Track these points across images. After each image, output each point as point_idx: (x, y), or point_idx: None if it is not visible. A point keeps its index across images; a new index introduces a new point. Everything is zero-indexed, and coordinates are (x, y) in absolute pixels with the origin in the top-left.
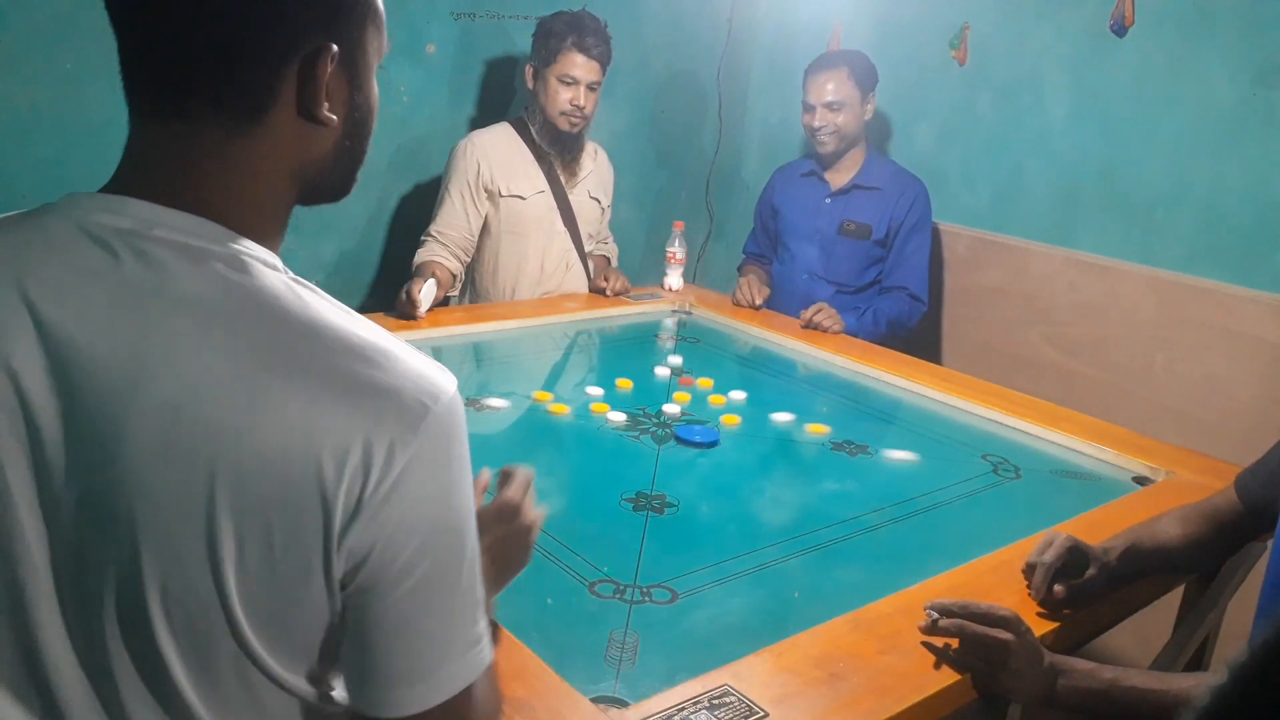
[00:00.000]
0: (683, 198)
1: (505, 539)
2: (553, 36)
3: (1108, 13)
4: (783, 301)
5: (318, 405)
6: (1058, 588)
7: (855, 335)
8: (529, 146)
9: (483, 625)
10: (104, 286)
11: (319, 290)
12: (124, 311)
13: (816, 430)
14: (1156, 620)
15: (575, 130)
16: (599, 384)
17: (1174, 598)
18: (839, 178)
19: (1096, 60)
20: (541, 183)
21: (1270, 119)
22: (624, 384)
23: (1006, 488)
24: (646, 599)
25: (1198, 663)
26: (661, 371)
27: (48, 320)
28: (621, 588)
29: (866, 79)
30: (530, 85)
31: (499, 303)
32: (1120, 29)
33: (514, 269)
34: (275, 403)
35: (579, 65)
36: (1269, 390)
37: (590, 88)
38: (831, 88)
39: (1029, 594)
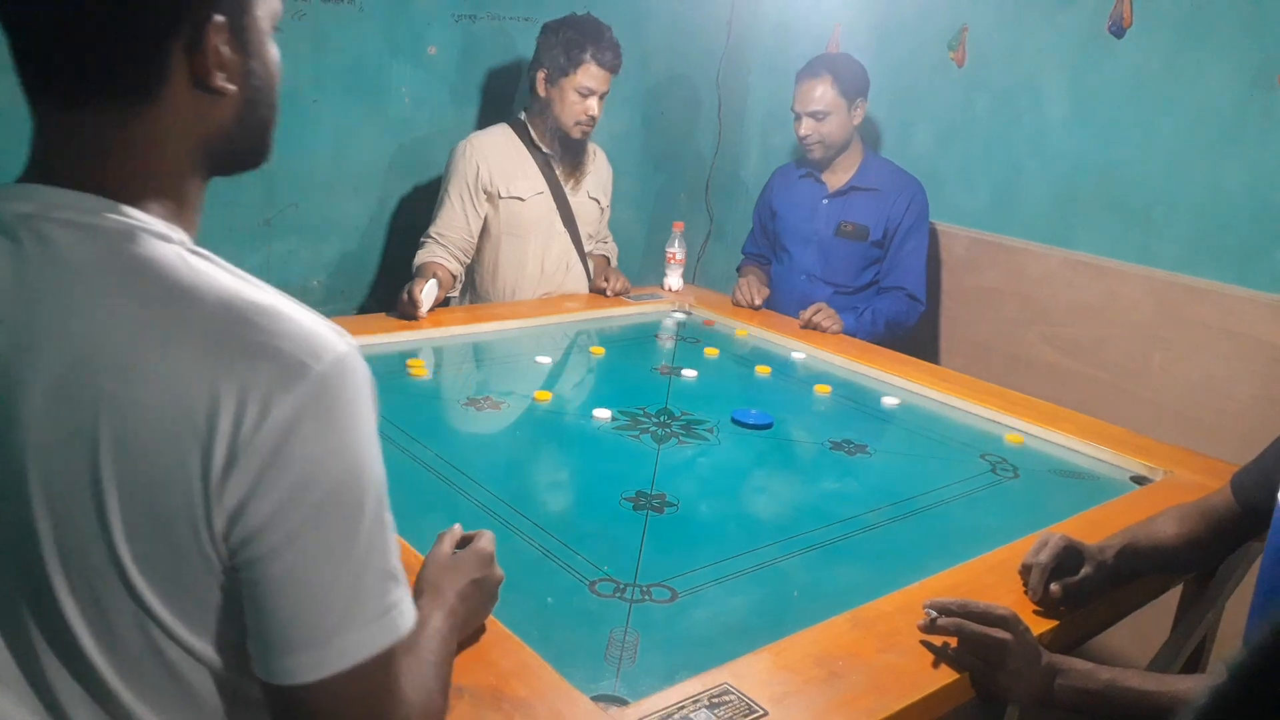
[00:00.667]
0: (682, 198)
1: (482, 584)
2: (572, 47)
3: (1106, 14)
4: (781, 302)
5: (195, 365)
6: (1054, 587)
7: (854, 335)
8: (528, 148)
9: (395, 598)
10: (5, 268)
11: (218, 260)
12: (20, 289)
13: (822, 390)
14: (1155, 620)
15: (586, 138)
16: (599, 384)
17: (1172, 597)
18: (836, 179)
19: (1094, 61)
20: (541, 184)
21: (1269, 119)
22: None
23: (1005, 487)
24: (646, 598)
25: (1196, 662)
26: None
27: None
28: (621, 587)
29: (853, 85)
30: (542, 92)
31: (499, 303)
32: (1118, 30)
33: (514, 270)
34: (153, 364)
35: (596, 78)
36: (1267, 390)
37: (602, 97)
38: (816, 96)
39: (1027, 596)
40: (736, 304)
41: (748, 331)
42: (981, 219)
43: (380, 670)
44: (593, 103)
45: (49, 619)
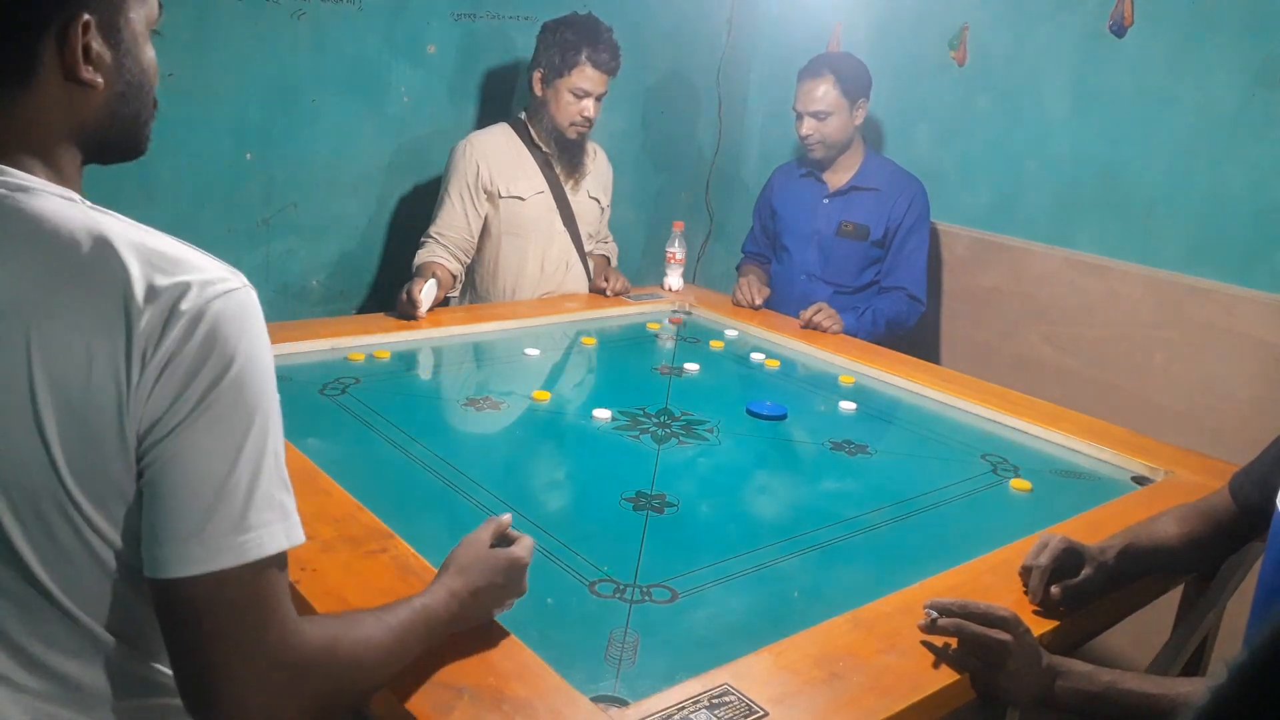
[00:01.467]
0: (682, 198)
1: (501, 590)
2: (568, 48)
3: (1107, 13)
4: (781, 301)
5: (108, 301)
6: (1054, 589)
7: (854, 335)
8: (528, 147)
9: (269, 518)
10: None
11: (120, 216)
12: None
13: (847, 381)
14: (1155, 620)
15: (582, 139)
16: (599, 385)
17: (1173, 598)
18: (837, 178)
19: (1096, 61)
20: (541, 183)
21: (1270, 119)
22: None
23: (1006, 487)
24: (646, 598)
25: (1197, 663)
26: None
27: None
28: (621, 587)
29: (855, 85)
30: (539, 92)
31: (499, 303)
32: (1119, 29)
33: (514, 270)
34: (72, 300)
35: (591, 79)
36: (1269, 390)
37: (598, 98)
38: (818, 95)
39: (1028, 598)
40: (737, 304)
41: (723, 344)
42: (983, 219)
43: (251, 583)
44: (588, 104)
45: None
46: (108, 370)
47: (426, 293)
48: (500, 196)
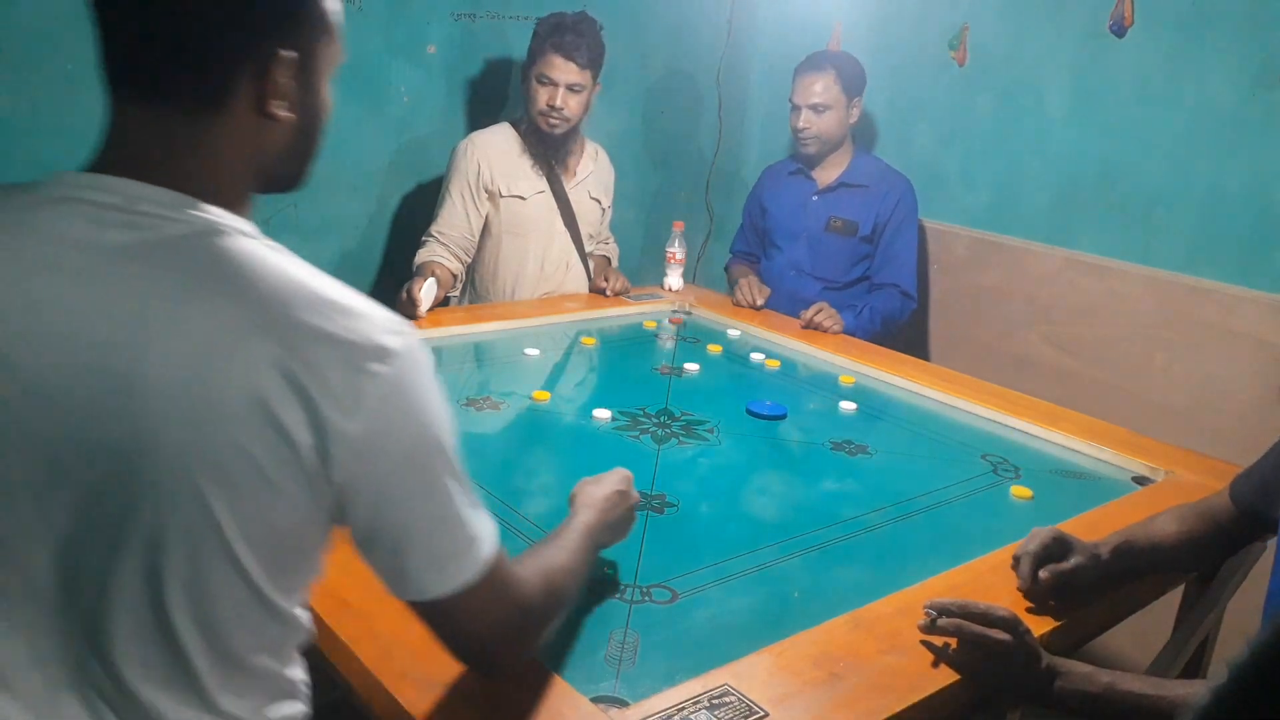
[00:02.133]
0: (682, 198)
1: (625, 496)
2: (536, 37)
3: (1107, 13)
4: (770, 298)
5: (293, 349)
6: (1043, 574)
7: (853, 334)
8: (529, 146)
9: (481, 521)
10: (93, 258)
11: (291, 253)
12: (116, 282)
13: (847, 381)
14: (1156, 621)
15: (556, 131)
16: (598, 385)
17: (1173, 598)
18: (826, 175)
19: (1096, 61)
20: (542, 183)
21: (1270, 119)
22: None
23: (1006, 488)
24: (646, 599)
25: (1197, 663)
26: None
27: (40, 293)
28: (621, 588)
29: (854, 83)
30: (522, 86)
31: (499, 303)
32: (1119, 29)
33: (514, 269)
34: (254, 355)
35: (556, 66)
36: (1268, 390)
37: (571, 89)
38: (818, 89)
39: (1017, 587)
40: (737, 304)
41: (721, 347)
42: (982, 219)
43: (492, 581)
44: (558, 94)
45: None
46: (290, 441)
47: (426, 292)
48: (501, 196)
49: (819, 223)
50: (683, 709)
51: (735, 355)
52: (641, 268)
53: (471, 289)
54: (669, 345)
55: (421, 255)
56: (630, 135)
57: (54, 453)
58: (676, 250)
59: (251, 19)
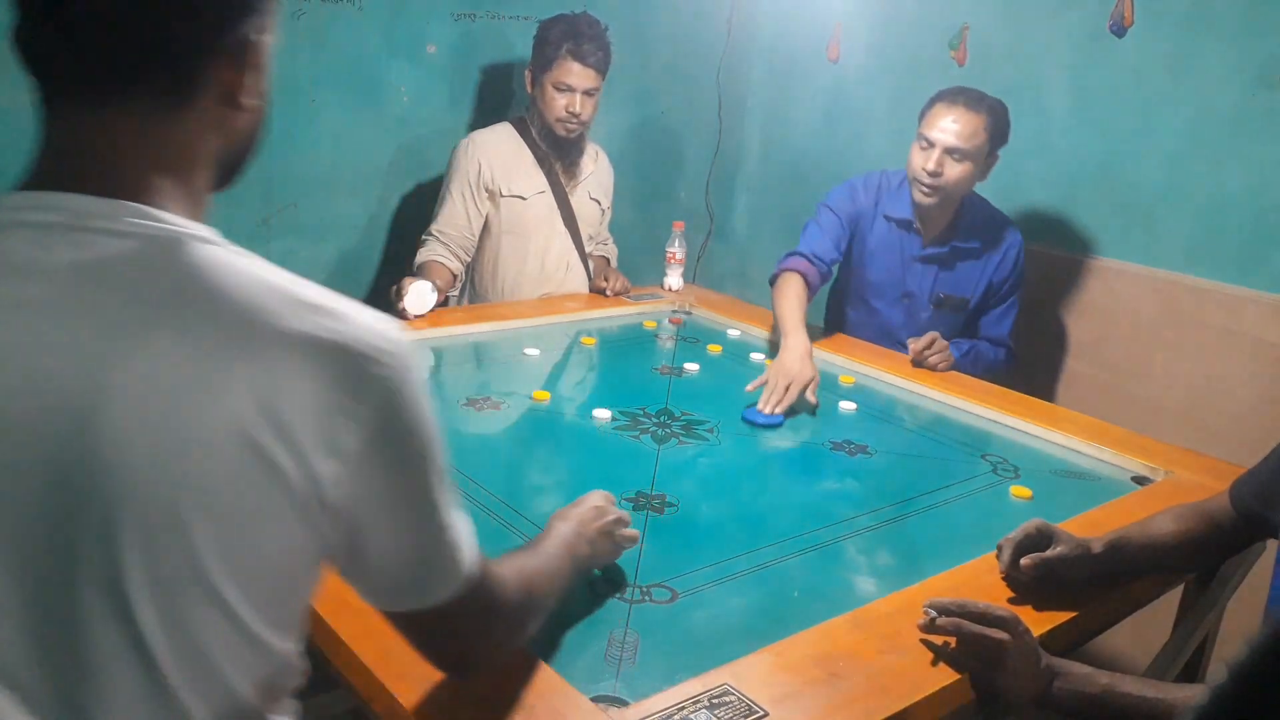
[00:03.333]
0: (683, 198)
1: (602, 511)
2: (550, 43)
3: (1107, 13)
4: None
5: (275, 366)
6: (1024, 561)
7: (956, 369)
8: (530, 147)
9: (461, 531)
10: (43, 286)
11: (254, 255)
12: (70, 312)
13: (847, 381)
14: (1156, 620)
15: (573, 136)
16: (598, 385)
17: (1173, 598)
18: (933, 229)
19: (1096, 61)
20: (542, 183)
21: (1270, 119)
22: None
23: (1006, 488)
24: (646, 599)
25: (1197, 663)
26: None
27: None
28: (621, 588)
29: (1001, 133)
30: (530, 89)
31: (499, 303)
32: (1119, 29)
33: (514, 269)
34: (232, 377)
35: (575, 73)
36: (1269, 390)
37: (587, 94)
38: (966, 132)
39: (1000, 573)
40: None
41: (721, 347)
42: None
43: (475, 589)
44: (576, 100)
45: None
46: (279, 462)
47: (417, 295)
48: (501, 195)
49: (923, 292)
50: (683, 708)
51: (735, 355)
52: (641, 268)
53: (471, 289)
54: (669, 345)
55: (422, 255)
56: (630, 135)
57: (8, 506)
58: (676, 250)
59: (229, 2)
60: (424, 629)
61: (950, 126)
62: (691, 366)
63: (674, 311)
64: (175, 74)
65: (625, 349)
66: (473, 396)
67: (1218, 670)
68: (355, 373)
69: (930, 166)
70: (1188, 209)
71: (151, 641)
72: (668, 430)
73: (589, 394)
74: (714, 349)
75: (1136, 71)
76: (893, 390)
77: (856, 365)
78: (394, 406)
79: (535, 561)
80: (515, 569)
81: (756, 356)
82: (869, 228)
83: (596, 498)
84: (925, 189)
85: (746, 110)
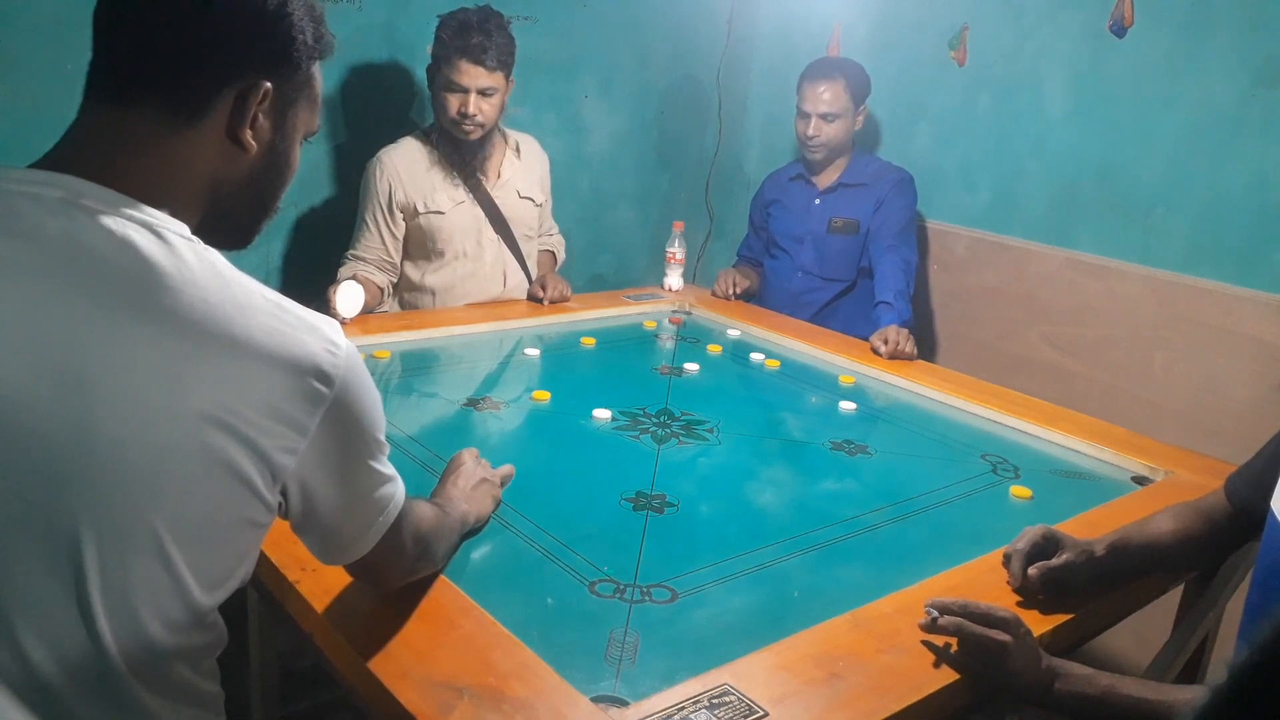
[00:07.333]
0: (683, 198)
1: (481, 466)
2: (440, 41)
3: (1107, 13)
4: (778, 299)
5: (241, 360)
6: (1032, 571)
7: (908, 326)
8: (442, 157)
9: (392, 488)
10: (38, 250)
11: (222, 257)
12: (62, 275)
13: (847, 381)
14: (1156, 620)
15: (471, 138)
16: (598, 385)
17: (1173, 598)
18: (826, 178)
19: (1095, 61)
20: (461, 193)
21: (1270, 119)
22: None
23: (1006, 488)
24: (646, 598)
25: (1197, 663)
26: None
27: None
28: (621, 587)
29: (861, 90)
30: (430, 91)
31: (499, 303)
32: (1119, 29)
33: (444, 285)
34: (199, 369)
35: (465, 72)
36: (1268, 390)
37: (482, 94)
38: (828, 98)
39: (1008, 583)
40: (714, 295)
41: (721, 348)
42: (982, 219)
43: (395, 534)
44: (470, 100)
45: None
46: (239, 445)
47: (345, 295)
48: (419, 213)
49: (821, 225)
50: (683, 708)
51: (735, 355)
52: (641, 268)
53: (400, 310)
54: (669, 345)
55: (343, 274)
56: (630, 135)
57: None
58: (676, 250)
59: (243, 42)
60: (363, 566)
61: (815, 96)
62: (691, 366)
63: (674, 311)
64: (186, 96)
65: (625, 349)
66: (473, 396)
67: (1218, 670)
68: (304, 377)
69: (810, 131)
70: (1187, 209)
71: (90, 578)
72: (668, 430)
73: (589, 394)
74: (714, 349)
75: (1136, 71)
76: (893, 390)
77: (857, 365)
78: (342, 405)
79: (434, 511)
80: (434, 510)
81: (756, 356)
82: (775, 201)
83: (463, 456)
84: (811, 148)
85: (746, 110)
